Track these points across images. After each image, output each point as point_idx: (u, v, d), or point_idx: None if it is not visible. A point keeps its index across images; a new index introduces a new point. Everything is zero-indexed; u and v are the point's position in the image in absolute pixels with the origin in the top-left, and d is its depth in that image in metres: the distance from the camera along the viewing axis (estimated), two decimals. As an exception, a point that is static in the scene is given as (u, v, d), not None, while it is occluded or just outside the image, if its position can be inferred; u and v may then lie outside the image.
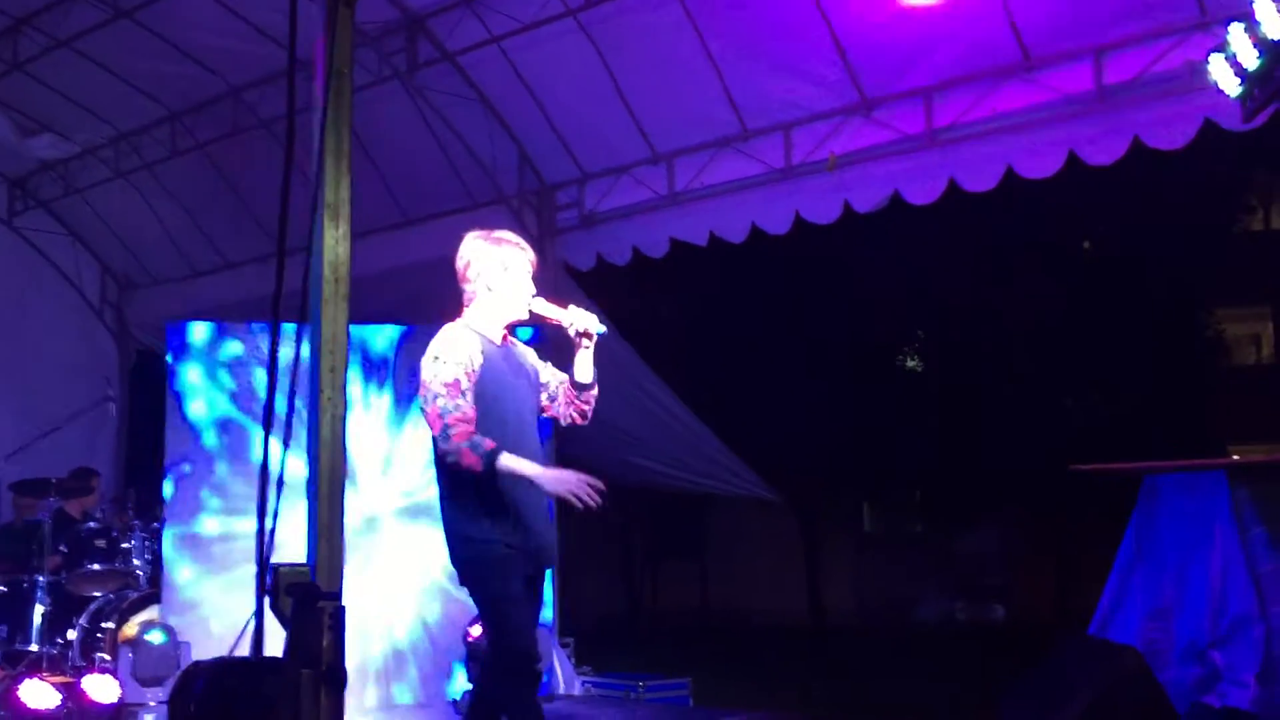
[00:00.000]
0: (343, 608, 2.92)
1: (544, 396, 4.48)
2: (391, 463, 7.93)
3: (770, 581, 19.82)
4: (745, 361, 17.18)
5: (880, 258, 15.87)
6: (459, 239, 9.85)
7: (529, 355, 4.52)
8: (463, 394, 4.09)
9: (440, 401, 4.09)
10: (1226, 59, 5.45)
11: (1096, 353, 16.61)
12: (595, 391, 4.46)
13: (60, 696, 6.78)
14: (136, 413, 12.12)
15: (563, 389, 4.48)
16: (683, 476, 10.08)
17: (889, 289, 16.81)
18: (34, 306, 11.90)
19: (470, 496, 4.14)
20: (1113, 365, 16.68)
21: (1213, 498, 5.78)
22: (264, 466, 2.88)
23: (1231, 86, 5.51)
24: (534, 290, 4.41)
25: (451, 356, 4.16)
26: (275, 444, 2.94)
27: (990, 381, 17.15)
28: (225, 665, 3.04)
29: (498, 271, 4.33)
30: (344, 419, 3.12)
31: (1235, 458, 6.53)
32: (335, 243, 3.13)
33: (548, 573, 4.51)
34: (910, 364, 19.98)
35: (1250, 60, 5.28)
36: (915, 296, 17.06)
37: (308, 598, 2.83)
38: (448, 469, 4.15)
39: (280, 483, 2.92)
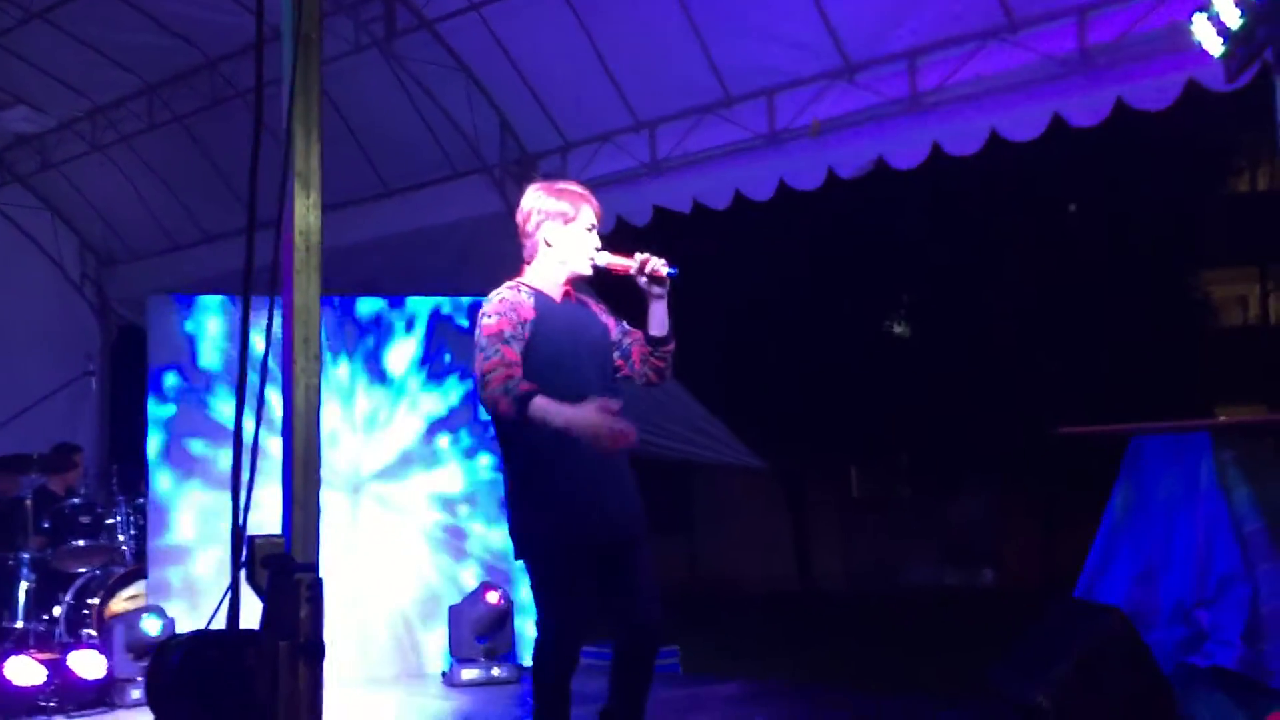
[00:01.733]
0: (320, 579, 2.89)
1: (616, 355, 4.12)
2: (377, 425, 7.92)
3: (757, 548, 19.86)
4: (729, 327, 17.16)
5: (865, 222, 15.85)
6: (439, 208, 9.84)
7: (599, 313, 4.18)
8: (505, 340, 3.80)
9: (481, 354, 3.82)
10: (1209, 18, 5.41)
11: (1084, 316, 16.62)
12: (672, 347, 4.08)
13: (47, 673, 6.77)
14: (118, 388, 12.09)
15: (635, 346, 4.12)
16: (666, 444, 10.05)
17: (874, 254, 16.79)
18: (13, 282, 11.86)
19: (524, 462, 3.89)
20: (1100, 328, 16.69)
21: (1198, 459, 5.78)
22: (237, 438, 2.84)
23: (1214, 46, 5.47)
24: (599, 244, 4.05)
25: (495, 309, 3.87)
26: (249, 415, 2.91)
27: (976, 345, 17.16)
28: (202, 638, 3.02)
29: (558, 224, 4.01)
30: (318, 389, 3.07)
31: (1222, 419, 6.54)
32: (306, 211, 3.07)
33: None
34: (897, 329, 19.98)
35: (1233, 19, 5.23)
36: (900, 261, 17.05)
37: (283, 569, 2.80)
38: (499, 431, 3.95)
39: (255, 454, 2.88)
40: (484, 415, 3.97)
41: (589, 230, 4.05)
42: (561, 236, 4.02)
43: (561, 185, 4.17)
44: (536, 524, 3.88)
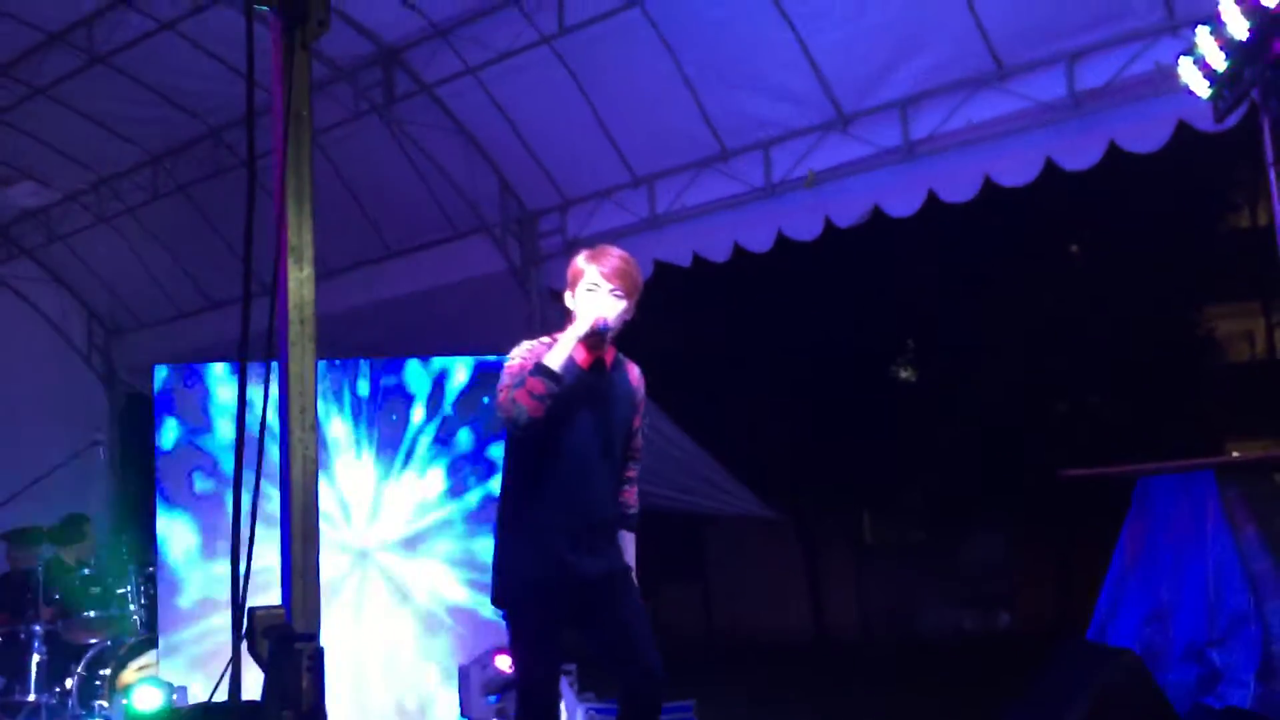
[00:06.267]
0: (321, 648, 2.89)
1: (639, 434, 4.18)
2: (383, 499, 7.91)
3: (772, 598, 19.75)
4: (739, 379, 17.17)
5: (867, 270, 15.89)
6: (442, 269, 9.87)
7: (635, 386, 4.16)
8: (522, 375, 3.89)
9: (499, 383, 3.92)
10: (1195, 62, 5.47)
11: (1090, 356, 16.60)
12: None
13: (58, 746, 6.75)
14: (126, 456, 12.11)
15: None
16: (681, 499, 10.05)
17: (877, 300, 16.82)
18: (21, 353, 11.94)
19: (505, 521, 4.03)
20: (1106, 368, 16.67)
21: (1204, 498, 5.78)
22: (236, 507, 2.85)
23: (1202, 89, 5.53)
24: (606, 298, 3.96)
25: (519, 352, 3.97)
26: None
27: (984, 387, 17.13)
28: (205, 710, 3.01)
29: (568, 292, 4.06)
30: (315, 459, 3.10)
31: (1235, 454, 6.53)
32: (300, 284, 3.12)
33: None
34: (904, 374, 19.97)
35: (1218, 62, 5.30)
36: (903, 306, 17.07)
37: (284, 639, 2.81)
38: (502, 479, 4.08)
39: (254, 523, 2.89)
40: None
41: (584, 291, 4.00)
42: (571, 302, 4.04)
43: (585, 250, 4.14)
44: (496, 575, 4.02)
